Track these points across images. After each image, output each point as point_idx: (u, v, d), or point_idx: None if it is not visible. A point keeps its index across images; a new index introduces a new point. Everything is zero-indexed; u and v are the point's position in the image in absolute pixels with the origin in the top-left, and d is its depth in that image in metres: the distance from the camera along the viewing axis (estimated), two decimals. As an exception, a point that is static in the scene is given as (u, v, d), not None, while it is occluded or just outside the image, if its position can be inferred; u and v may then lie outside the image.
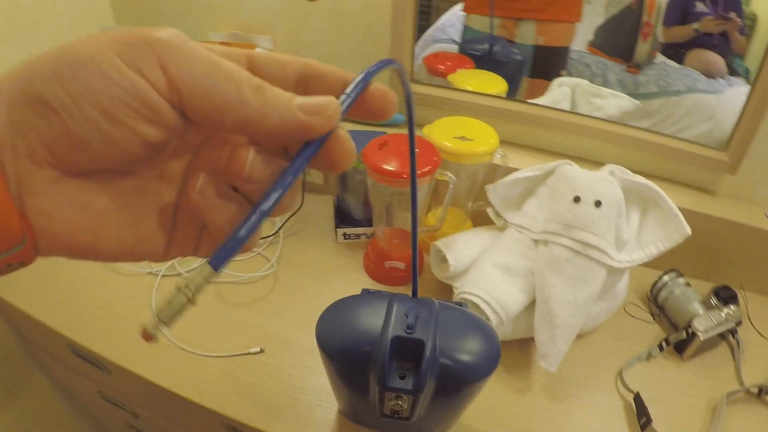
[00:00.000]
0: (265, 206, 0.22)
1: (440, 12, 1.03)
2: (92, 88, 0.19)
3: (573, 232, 0.68)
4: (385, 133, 0.82)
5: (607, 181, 0.69)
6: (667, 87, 0.91)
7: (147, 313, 0.83)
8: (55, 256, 0.23)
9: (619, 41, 0.92)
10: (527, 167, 0.77)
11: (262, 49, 0.99)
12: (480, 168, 0.82)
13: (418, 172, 0.72)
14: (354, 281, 0.89)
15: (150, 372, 0.75)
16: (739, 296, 0.83)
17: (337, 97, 0.24)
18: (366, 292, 0.58)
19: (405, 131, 0.90)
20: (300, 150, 0.23)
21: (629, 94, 0.94)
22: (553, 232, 0.70)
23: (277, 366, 0.75)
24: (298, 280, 0.89)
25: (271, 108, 0.21)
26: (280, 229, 0.98)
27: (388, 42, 0.89)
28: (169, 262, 0.91)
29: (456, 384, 0.52)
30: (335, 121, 0.23)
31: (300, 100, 0.22)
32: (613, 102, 0.93)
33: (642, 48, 0.91)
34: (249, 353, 0.76)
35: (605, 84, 0.94)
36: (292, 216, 1.00)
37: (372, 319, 0.52)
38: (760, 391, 0.73)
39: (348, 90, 0.24)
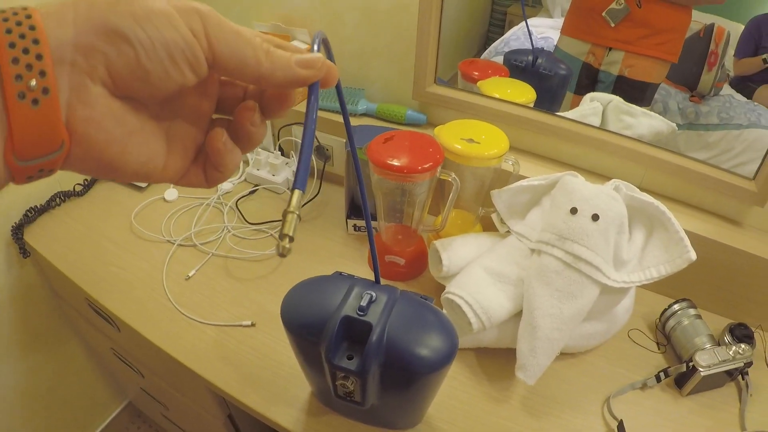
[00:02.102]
0: (307, 140, 0.30)
1: (512, 26, 1.06)
2: (163, 33, 0.25)
3: (566, 244, 0.66)
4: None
5: (608, 196, 0.66)
6: (729, 120, 0.87)
7: (158, 277, 0.88)
8: (79, 172, 0.28)
9: (684, 69, 0.89)
10: (535, 176, 0.75)
11: (299, 41, 1.02)
12: (487, 172, 0.81)
13: (419, 167, 0.72)
14: (353, 272, 0.90)
15: (150, 332, 0.80)
16: (757, 337, 0.78)
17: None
18: (337, 275, 0.59)
19: (423, 131, 0.91)
20: (308, 93, 0.31)
21: (689, 124, 0.90)
22: (546, 242, 0.68)
23: (264, 341, 0.77)
24: (302, 264, 0.91)
25: (277, 67, 0.29)
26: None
27: (415, 42, 0.90)
28: (186, 234, 0.96)
29: (404, 374, 0.51)
30: (324, 70, 0.31)
31: (296, 57, 0.30)
32: (645, 121, 0.90)
33: (707, 77, 0.88)
34: (240, 325, 0.79)
35: (664, 111, 0.91)
36: (308, 202, 1.02)
37: (331, 299, 0.53)
38: (760, 438, 0.67)
39: (315, 48, 0.32)
